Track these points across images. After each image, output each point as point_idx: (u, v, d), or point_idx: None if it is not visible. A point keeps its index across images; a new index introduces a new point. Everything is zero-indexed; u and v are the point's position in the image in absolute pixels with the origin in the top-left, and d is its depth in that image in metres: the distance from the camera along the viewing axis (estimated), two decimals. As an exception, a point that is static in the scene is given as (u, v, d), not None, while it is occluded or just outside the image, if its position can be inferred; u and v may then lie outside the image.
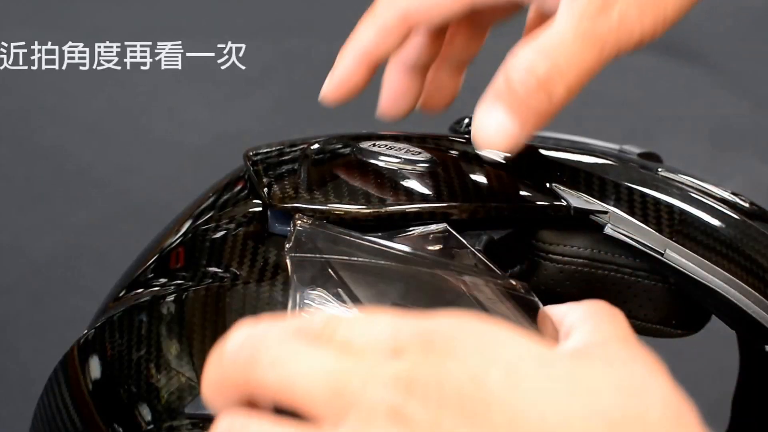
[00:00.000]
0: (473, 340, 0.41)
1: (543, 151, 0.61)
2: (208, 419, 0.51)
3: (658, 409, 0.41)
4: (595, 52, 0.53)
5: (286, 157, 0.60)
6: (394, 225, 0.56)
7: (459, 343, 0.41)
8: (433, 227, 0.56)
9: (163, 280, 0.58)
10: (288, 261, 0.54)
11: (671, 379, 0.43)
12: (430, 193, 0.57)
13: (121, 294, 0.59)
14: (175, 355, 0.54)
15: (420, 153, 0.58)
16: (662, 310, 0.59)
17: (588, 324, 0.46)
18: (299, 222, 0.56)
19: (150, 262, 0.60)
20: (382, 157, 0.58)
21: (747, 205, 0.62)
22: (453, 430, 0.39)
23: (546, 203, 0.57)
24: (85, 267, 1.32)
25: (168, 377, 0.54)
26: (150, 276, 0.59)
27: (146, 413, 0.54)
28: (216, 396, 0.43)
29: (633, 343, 0.44)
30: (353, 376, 0.40)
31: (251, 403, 0.43)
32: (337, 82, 0.58)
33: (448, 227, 0.56)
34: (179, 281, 0.57)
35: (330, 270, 0.53)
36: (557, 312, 0.49)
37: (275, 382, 0.41)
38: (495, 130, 0.54)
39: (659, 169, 0.62)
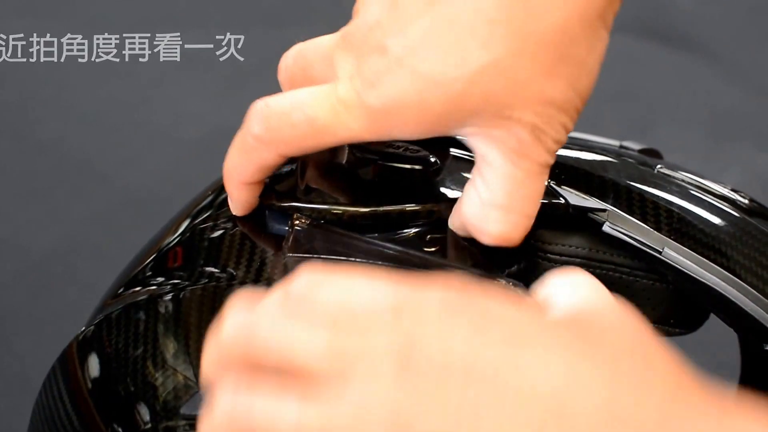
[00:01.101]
0: (470, 304, 0.41)
1: None
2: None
3: (659, 370, 0.41)
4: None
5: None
6: (392, 224, 0.56)
7: (457, 307, 0.41)
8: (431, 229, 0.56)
9: (160, 279, 0.58)
10: (286, 261, 0.54)
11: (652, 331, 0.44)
12: (428, 192, 0.57)
13: (119, 291, 0.59)
14: (172, 354, 0.54)
15: (418, 151, 0.58)
16: (660, 309, 0.59)
17: (567, 295, 0.46)
18: (297, 222, 0.56)
19: (148, 260, 0.60)
20: (380, 156, 0.58)
21: (746, 201, 0.61)
22: (461, 394, 0.39)
23: (544, 201, 0.57)
24: (84, 261, 1.32)
25: (165, 376, 0.54)
26: (148, 274, 0.59)
27: (144, 411, 0.54)
28: (217, 374, 0.44)
29: (613, 301, 0.45)
30: (354, 337, 0.41)
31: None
32: (241, 209, 0.58)
33: (448, 229, 0.56)
34: (176, 280, 0.57)
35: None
36: (540, 293, 0.50)
37: (276, 348, 0.42)
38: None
39: (658, 167, 0.62)
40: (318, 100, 0.53)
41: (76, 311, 0.87)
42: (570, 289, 0.46)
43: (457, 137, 0.54)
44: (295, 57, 0.57)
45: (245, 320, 0.42)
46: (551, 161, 0.54)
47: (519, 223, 0.54)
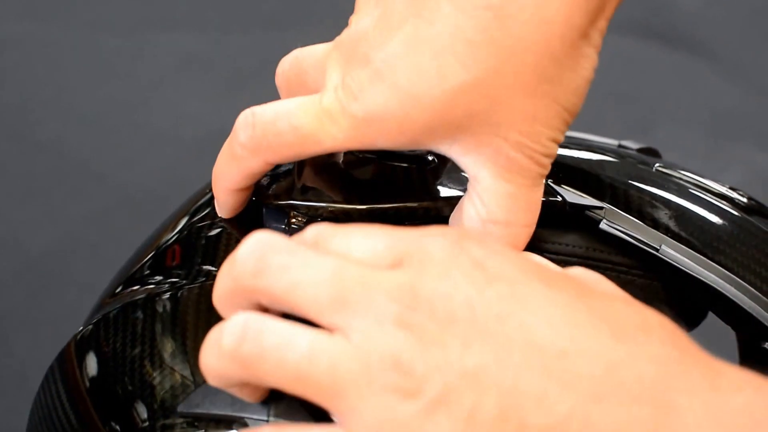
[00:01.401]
0: (472, 253, 0.42)
1: None
2: (202, 418, 0.51)
3: (655, 317, 0.43)
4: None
5: None
6: (390, 222, 0.56)
7: (458, 255, 0.42)
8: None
9: (158, 278, 0.58)
10: None
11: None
12: (426, 190, 0.57)
13: (116, 290, 0.59)
14: (170, 353, 0.54)
15: (417, 150, 0.58)
16: (657, 307, 0.59)
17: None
18: (294, 221, 0.56)
19: (146, 258, 0.60)
20: (377, 155, 0.58)
21: (745, 200, 0.61)
22: (467, 344, 0.40)
23: (542, 199, 0.57)
24: (82, 261, 1.32)
25: (163, 375, 0.54)
26: (146, 273, 0.59)
27: (142, 410, 0.54)
28: (227, 304, 0.46)
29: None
30: (355, 283, 0.42)
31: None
32: (226, 212, 0.58)
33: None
34: (175, 279, 0.57)
35: None
36: None
37: (282, 289, 0.43)
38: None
39: (656, 165, 0.62)
40: (303, 109, 0.53)
41: (73, 311, 0.87)
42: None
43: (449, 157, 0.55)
44: (291, 62, 0.57)
45: (258, 248, 0.44)
46: (545, 172, 0.54)
47: (520, 235, 0.55)
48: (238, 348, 0.43)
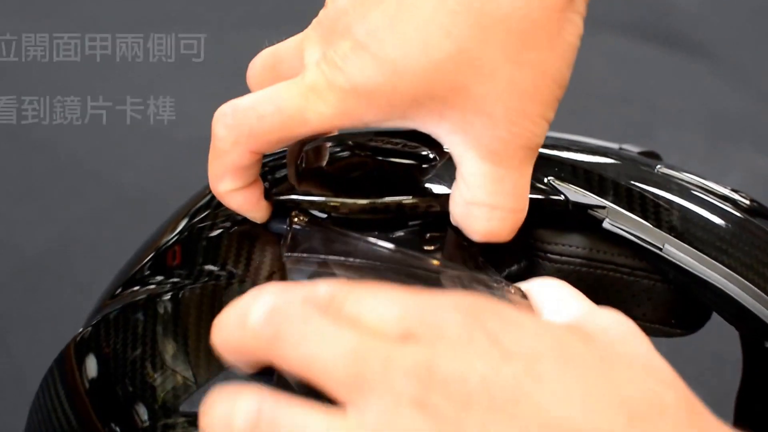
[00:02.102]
0: (487, 327, 0.41)
1: (541, 149, 0.61)
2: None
3: (671, 392, 0.41)
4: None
5: (283, 155, 0.60)
6: (391, 220, 0.56)
7: (473, 330, 0.41)
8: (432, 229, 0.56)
9: (159, 278, 0.58)
10: (284, 260, 0.54)
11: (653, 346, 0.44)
12: (428, 186, 0.57)
13: (117, 291, 0.59)
14: (171, 354, 0.54)
15: (416, 147, 0.58)
16: (661, 309, 0.59)
17: (561, 303, 0.47)
18: (296, 221, 0.55)
19: (147, 259, 0.60)
20: (377, 151, 0.58)
21: (747, 201, 0.61)
22: (483, 425, 0.39)
23: (543, 197, 0.57)
24: (80, 261, 1.32)
25: (164, 375, 0.53)
26: (146, 274, 0.59)
27: (142, 411, 0.53)
28: (232, 356, 0.44)
29: (626, 323, 0.46)
30: (372, 359, 0.40)
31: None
32: (252, 215, 0.57)
33: (448, 228, 0.56)
34: (176, 279, 0.57)
35: (326, 270, 0.52)
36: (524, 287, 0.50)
37: (298, 361, 0.41)
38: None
39: (658, 167, 0.62)
40: (285, 89, 0.53)
41: (71, 311, 0.87)
42: (561, 302, 0.47)
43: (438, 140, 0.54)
44: (263, 57, 0.57)
45: (274, 316, 0.42)
46: (533, 155, 0.54)
47: (505, 219, 0.54)
48: None
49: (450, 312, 0.42)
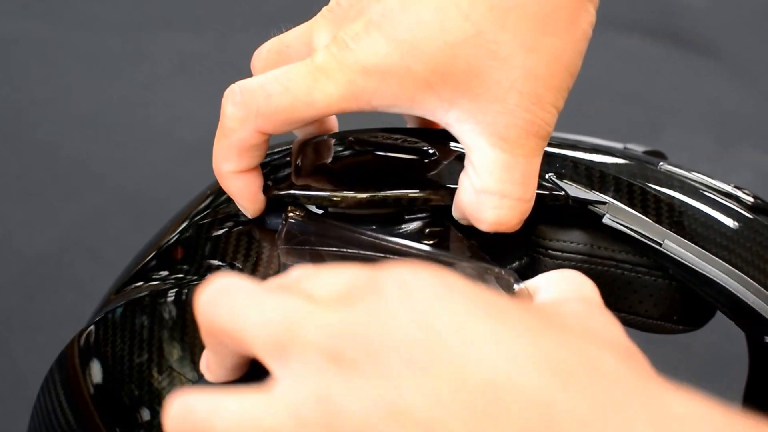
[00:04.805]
0: (423, 288, 0.40)
1: None
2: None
3: (608, 354, 0.40)
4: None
5: (283, 153, 0.60)
6: (391, 215, 0.56)
7: (409, 291, 0.40)
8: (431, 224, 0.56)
9: (163, 274, 0.58)
10: (279, 252, 0.54)
11: (627, 336, 0.42)
12: (427, 181, 0.57)
13: (119, 289, 0.59)
14: (174, 350, 0.54)
15: (417, 143, 0.58)
16: (663, 305, 0.59)
17: (552, 286, 0.46)
18: (291, 214, 0.55)
19: (151, 256, 0.60)
20: (377, 147, 0.58)
21: (751, 199, 0.61)
22: (397, 379, 0.39)
23: (544, 192, 0.57)
24: (80, 262, 1.32)
25: (166, 374, 0.53)
26: (150, 269, 0.59)
27: (144, 409, 0.53)
28: (204, 339, 0.44)
29: (594, 302, 0.44)
30: (292, 321, 0.40)
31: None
32: (254, 211, 0.57)
33: (447, 223, 0.55)
34: (179, 275, 0.57)
35: (321, 261, 0.52)
36: (531, 283, 0.49)
37: (231, 330, 0.42)
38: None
39: (661, 164, 0.61)
40: (294, 70, 0.53)
41: (71, 312, 0.87)
42: (554, 286, 0.46)
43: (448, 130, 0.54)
44: (270, 44, 0.57)
45: (217, 290, 0.43)
46: (543, 143, 0.54)
47: (514, 208, 0.54)
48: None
49: (392, 273, 0.41)
